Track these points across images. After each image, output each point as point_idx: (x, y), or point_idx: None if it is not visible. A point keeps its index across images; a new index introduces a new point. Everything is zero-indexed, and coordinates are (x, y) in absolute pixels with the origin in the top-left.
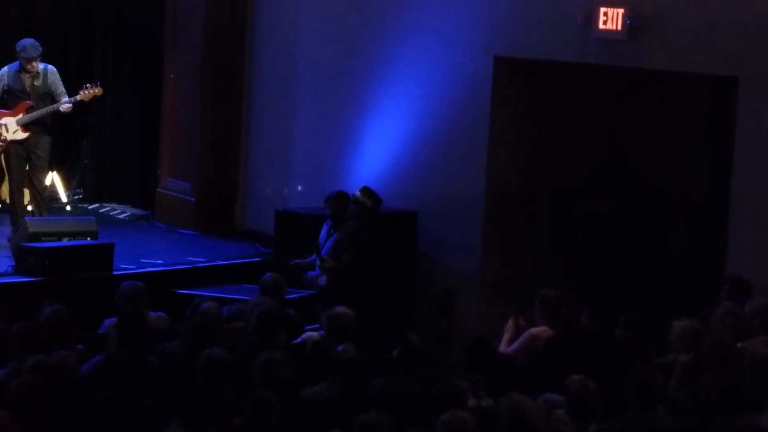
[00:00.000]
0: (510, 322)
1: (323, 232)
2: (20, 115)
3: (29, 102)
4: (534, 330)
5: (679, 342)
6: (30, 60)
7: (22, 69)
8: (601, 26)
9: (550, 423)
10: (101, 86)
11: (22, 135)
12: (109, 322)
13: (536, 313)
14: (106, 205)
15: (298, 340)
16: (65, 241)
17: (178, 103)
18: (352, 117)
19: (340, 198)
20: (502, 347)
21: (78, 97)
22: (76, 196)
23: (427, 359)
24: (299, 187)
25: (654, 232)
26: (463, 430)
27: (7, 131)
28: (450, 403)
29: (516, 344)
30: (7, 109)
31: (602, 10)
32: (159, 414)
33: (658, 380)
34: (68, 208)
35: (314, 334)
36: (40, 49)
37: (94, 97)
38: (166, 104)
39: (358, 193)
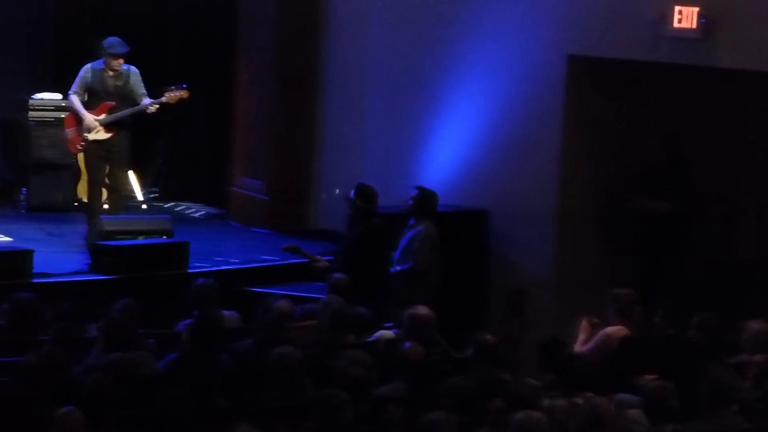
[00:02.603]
0: (584, 322)
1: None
2: (103, 115)
3: (112, 102)
4: (609, 329)
5: (752, 343)
6: (117, 57)
7: (105, 68)
8: (676, 25)
9: (624, 423)
10: (187, 89)
11: (104, 135)
12: (186, 322)
13: (609, 312)
14: (181, 203)
15: (371, 338)
16: (140, 240)
17: (251, 102)
18: (423, 115)
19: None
20: (577, 347)
21: (163, 99)
22: (152, 195)
23: (499, 359)
24: (336, 191)
25: (717, 233)
26: (536, 430)
27: (89, 131)
28: (523, 403)
29: (591, 344)
30: (88, 109)
31: (677, 8)
32: (231, 412)
33: (731, 381)
34: (143, 206)
35: (387, 333)
36: (128, 48)
37: (180, 100)
38: (240, 103)
39: (352, 191)
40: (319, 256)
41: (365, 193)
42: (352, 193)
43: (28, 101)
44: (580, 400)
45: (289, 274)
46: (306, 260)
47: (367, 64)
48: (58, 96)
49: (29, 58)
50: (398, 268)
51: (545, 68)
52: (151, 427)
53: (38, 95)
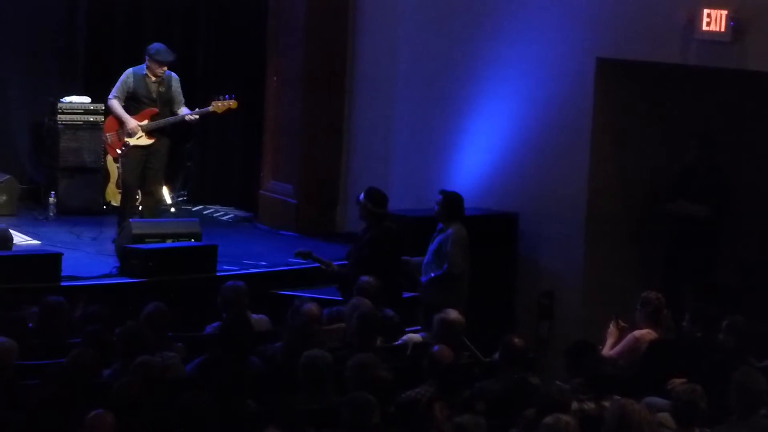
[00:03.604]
0: (611, 326)
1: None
2: (146, 121)
3: (155, 109)
4: (637, 332)
5: None
6: (162, 64)
7: (148, 73)
8: (704, 28)
9: (652, 425)
10: (235, 99)
11: (146, 141)
12: (214, 325)
13: (638, 315)
14: (209, 206)
15: (399, 341)
16: (169, 243)
17: (281, 106)
18: (452, 119)
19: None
20: (606, 350)
21: (210, 108)
22: (180, 198)
23: (528, 362)
24: (360, 196)
25: (749, 236)
26: None
27: (131, 136)
28: (553, 406)
29: (619, 347)
30: (130, 114)
31: (705, 11)
32: (259, 415)
33: (760, 385)
34: (172, 209)
35: (415, 336)
36: (174, 55)
37: (228, 110)
38: (269, 107)
39: (362, 195)
40: (330, 261)
41: (376, 197)
42: (361, 196)
43: (57, 104)
44: (608, 404)
45: (318, 277)
46: (317, 265)
47: (397, 67)
48: (88, 99)
49: (59, 61)
50: (432, 274)
51: (575, 71)
52: (179, 430)
53: (67, 98)
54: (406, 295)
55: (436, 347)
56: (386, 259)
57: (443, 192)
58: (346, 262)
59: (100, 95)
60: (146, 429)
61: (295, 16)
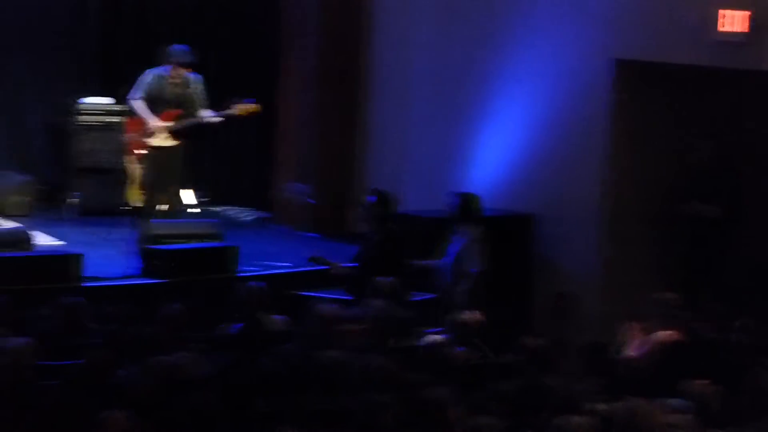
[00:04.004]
0: (629, 327)
1: None
2: (169, 122)
3: (177, 110)
4: (654, 334)
5: None
6: (182, 65)
7: (169, 75)
8: (720, 29)
9: (668, 427)
10: (256, 102)
11: (169, 142)
12: (235, 326)
13: (655, 316)
14: (229, 207)
15: (418, 342)
16: (190, 243)
17: (296, 107)
18: (467, 120)
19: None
20: (623, 351)
21: (233, 111)
22: (201, 199)
23: (543, 362)
24: (368, 198)
25: (761, 236)
26: None
27: (153, 137)
28: (566, 407)
29: (636, 348)
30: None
31: (721, 12)
32: (274, 415)
33: None
34: (193, 210)
35: (432, 337)
36: (193, 57)
37: (251, 113)
38: (286, 107)
39: (369, 196)
40: (338, 263)
41: (384, 199)
42: (369, 198)
43: (76, 105)
44: (620, 404)
45: (336, 277)
46: (327, 267)
47: (412, 68)
48: (106, 100)
49: (76, 62)
50: (452, 275)
51: (592, 72)
52: (191, 430)
53: (86, 99)
54: (424, 296)
55: (454, 348)
56: (390, 260)
57: (456, 194)
58: (355, 264)
59: (117, 96)
60: (159, 429)
61: (309, 16)
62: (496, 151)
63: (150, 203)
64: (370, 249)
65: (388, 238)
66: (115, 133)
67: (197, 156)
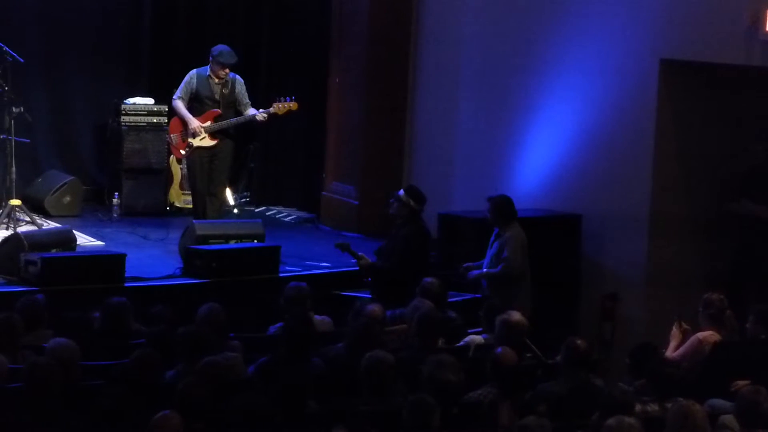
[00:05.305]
0: (674, 328)
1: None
2: (209, 123)
3: (218, 110)
4: (701, 334)
5: None
6: (225, 66)
7: (211, 75)
8: None
9: (716, 428)
10: (295, 101)
11: (209, 142)
12: (277, 326)
13: (701, 317)
14: (272, 208)
15: (461, 343)
16: (232, 244)
17: (343, 108)
18: (514, 120)
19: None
20: (669, 352)
21: (272, 110)
22: (243, 200)
23: (591, 363)
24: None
25: None
26: None
27: (194, 137)
28: (616, 408)
29: (682, 349)
30: (193, 115)
31: None
32: (323, 416)
33: None
34: (235, 211)
35: (477, 338)
36: (237, 58)
37: (289, 111)
38: (332, 108)
39: (402, 191)
40: (363, 255)
41: (418, 195)
42: (401, 192)
43: (121, 106)
44: (673, 405)
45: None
46: (353, 259)
47: (459, 68)
48: (151, 101)
49: (123, 63)
50: (484, 270)
51: (639, 71)
52: (241, 430)
53: (131, 100)
54: (467, 296)
55: (498, 349)
56: (419, 256)
57: (490, 198)
58: (375, 258)
59: (163, 96)
60: (210, 429)
61: (357, 17)
62: (543, 152)
63: (193, 204)
64: (400, 242)
65: (418, 233)
66: (161, 134)
67: (245, 156)
